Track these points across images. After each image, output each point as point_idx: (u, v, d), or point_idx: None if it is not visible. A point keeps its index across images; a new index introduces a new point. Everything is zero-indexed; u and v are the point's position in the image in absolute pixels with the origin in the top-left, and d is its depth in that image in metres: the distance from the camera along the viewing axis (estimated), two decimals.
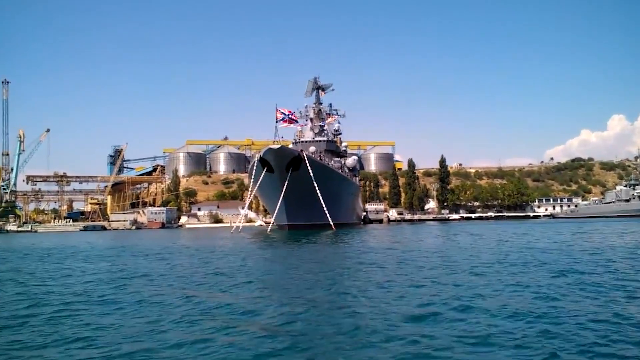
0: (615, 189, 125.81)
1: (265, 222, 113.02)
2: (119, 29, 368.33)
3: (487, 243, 28.50)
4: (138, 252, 29.11)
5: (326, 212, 53.36)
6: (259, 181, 54.37)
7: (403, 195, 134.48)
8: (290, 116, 74.17)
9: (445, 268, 16.56)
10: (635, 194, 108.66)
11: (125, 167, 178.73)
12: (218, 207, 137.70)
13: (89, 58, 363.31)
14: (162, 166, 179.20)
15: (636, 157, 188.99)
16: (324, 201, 52.82)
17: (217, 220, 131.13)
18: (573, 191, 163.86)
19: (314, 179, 52.45)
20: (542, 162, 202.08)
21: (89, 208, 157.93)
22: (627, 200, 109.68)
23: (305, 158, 53.42)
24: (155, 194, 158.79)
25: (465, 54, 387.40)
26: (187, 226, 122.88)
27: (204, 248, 31.54)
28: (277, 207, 54.81)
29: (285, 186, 52.92)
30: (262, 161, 53.34)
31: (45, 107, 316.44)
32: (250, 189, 56.93)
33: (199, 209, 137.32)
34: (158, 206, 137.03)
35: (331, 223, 54.08)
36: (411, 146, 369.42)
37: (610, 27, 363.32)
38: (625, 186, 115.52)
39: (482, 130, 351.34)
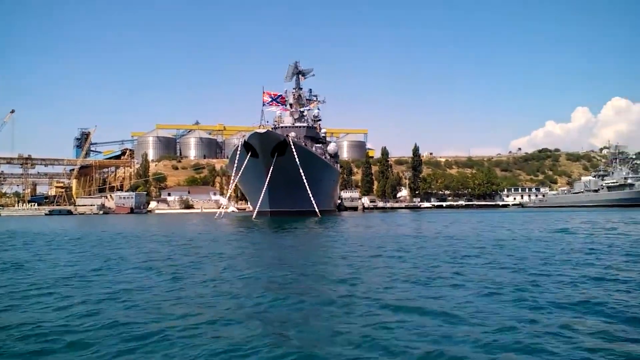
0: (580, 179, 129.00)
1: (238, 209, 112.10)
2: (87, 9, 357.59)
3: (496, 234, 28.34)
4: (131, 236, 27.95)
5: (312, 198, 52.74)
6: (243, 166, 53.04)
7: (375, 183, 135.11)
8: (278, 99, 72.72)
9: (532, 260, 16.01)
10: (603, 184, 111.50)
11: (93, 151, 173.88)
12: (189, 192, 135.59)
13: (57, 38, 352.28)
14: (131, 150, 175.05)
15: (601, 149, 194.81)
16: (308, 187, 52.22)
17: (188, 205, 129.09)
18: (540, 181, 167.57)
19: (299, 165, 51.68)
20: (510, 152, 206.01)
21: (53, 192, 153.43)
22: (596, 191, 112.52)
23: (291, 143, 52.47)
24: (123, 179, 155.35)
25: (437, 46, 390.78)
26: (157, 212, 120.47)
27: (205, 234, 30.43)
28: (262, 193, 53.52)
29: (270, 172, 51.93)
30: (247, 145, 52.08)
31: (9, 88, 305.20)
32: (233, 175, 55.29)
33: (169, 194, 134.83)
34: (126, 191, 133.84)
35: (317, 210, 53.47)
36: (382, 135, 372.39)
37: (576, 22, 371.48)
38: (594, 177, 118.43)
39: (451, 121, 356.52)
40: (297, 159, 52.21)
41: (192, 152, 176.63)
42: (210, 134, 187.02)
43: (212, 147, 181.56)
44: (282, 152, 52.87)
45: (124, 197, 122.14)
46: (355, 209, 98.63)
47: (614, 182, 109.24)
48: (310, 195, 52.62)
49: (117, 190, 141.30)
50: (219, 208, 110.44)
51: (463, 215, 60.88)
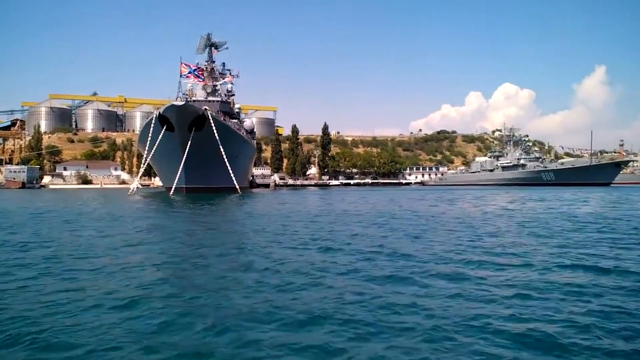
0: (476, 160, 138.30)
1: (142, 185, 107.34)
2: None
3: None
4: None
5: (232, 174, 51.70)
6: (157, 141, 50.47)
7: (285, 160, 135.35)
8: (196, 71, 69.76)
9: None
10: (498, 164, 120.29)
11: None
12: (87, 167, 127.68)
13: None
14: (21, 121, 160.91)
15: (493, 132, 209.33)
16: (228, 164, 51.15)
17: (86, 181, 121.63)
18: (438, 161, 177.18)
19: (219, 140, 50.29)
20: (411, 133, 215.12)
21: None
22: (491, 170, 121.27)
23: (210, 117, 50.81)
24: (13, 151, 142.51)
25: (345, 27, 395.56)
26: (51, 186, 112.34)
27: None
28: (179, 169, 51.29)
29: (188, 147, 49.97)
30: (162, 118, 49.58)
31: None
32: (147, 149, 52.43)
33: (65, 169, 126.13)
34: (16, 164, 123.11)
35: (237, 186, 52.54)
36: (291, 113, 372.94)
37: (470, 12, 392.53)
38: (490, 157, 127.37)
39: (357, 102, 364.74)
40: (216, 134, 50.93)
41: (90, 125, 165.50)
42: (109, 105, 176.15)
43: (111, 120, 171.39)
44: (200, 126, 51.25)
45: (15, 171, 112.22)
46: (267, 186, 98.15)
47: (507, 163, 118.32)
48: (231, 171, 51.72)
49: (6, 163, 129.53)
50: (121, 184, 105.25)
51: (372, 193, 62.96)
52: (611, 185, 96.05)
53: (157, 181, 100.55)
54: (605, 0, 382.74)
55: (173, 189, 50.77)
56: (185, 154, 50.22)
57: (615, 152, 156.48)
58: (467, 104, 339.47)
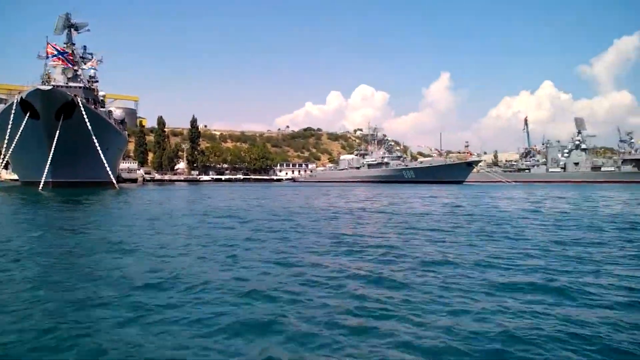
0: (343, 157, 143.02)
1: None
2: None
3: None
4: None
5: (107, 167, 46.69)
6: (20, 129, 43.68)
7: (150, 154, 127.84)
8: (66, 55, 61.69)
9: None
10: (365, 162, 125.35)
11: None
12: None
13: None
14: None
15: (355, 130, 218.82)
16: (102, 155, 46.17)
17: None
18: (306, 157, 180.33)
19: (91, 130, 45.10)
20: (279, 129, 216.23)
21: None
22: (358, 168, 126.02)
23: (81, 104, 45.39)
24: None
25: (212, 20, 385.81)
26: None
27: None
28: (47, 161, 44.78)
29: (56, 136, 44.03)
30: (24, 104, 43.10)
31: None
32: (7, 139, 45.03)
33: None
34: None
35: (114, 181, 47.62)
36: (153, 105, 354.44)
37: (331, 19, 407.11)
38: (356, 155, 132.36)
39: (222, 95, 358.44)
40: (87, 123, 45.87)
41: None
42: None
43: None
44: (69, 114, 45.81)
45: None
46: (134, 180, 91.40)
47: (373, 161, 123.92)
48: (106, 164, 46.94)
49: None
50: None
51: (251, 190, 60.82)
52: (463, 183, 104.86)
53: (3, 174, 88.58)
54: (448, 12, 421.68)
55: (42, 183, 44.34)
56: (54, 144, 44.38)
57: (461, 152, 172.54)
58: (328, 102, 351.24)
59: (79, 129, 45.42)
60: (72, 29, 71.56)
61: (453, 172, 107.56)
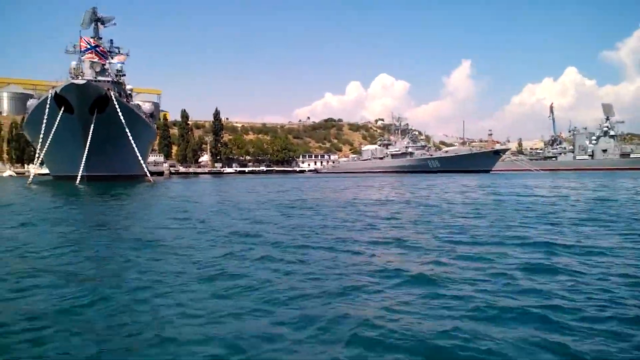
0: (367, 148, 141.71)
1: (17, 173, 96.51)
2: None
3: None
4: None
5: (141, 161, 46.77)
6: (55, 124, 43.76)
7: (174, 147, 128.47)
8: (98, 49, 61.85)
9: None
10: (388, 153, 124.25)
11: None
12: None
13: None
14: None
15: (376, 120, 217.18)
16: (137, 149, 46.20)
17: None
18: (327, 149, 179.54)
19: (125, 124, 45.06)
20: (300, 120, 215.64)
21: None
22: (382, 158, 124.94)
23: (114, 98, 45.39)
24: None
25: (232, 15, 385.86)
26: None
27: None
28: (84, 156, 44.76)
29: (91, 131, 44.09)
30: (58, 99, 43.16)
31: None
32: (42, 133, 45.12)
33: None
34: None
35: (148, 174, 47.65)
36: (177, 98, 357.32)
37: (345, 10, 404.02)
38: (380, 146, 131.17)
39: (244, 88, 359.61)
40: (121, 117, 45.85)
41: None
42: None
43: None
44: (102, 108, 45.82)
45: None
46: (161, 174, 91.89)
47: (397, 151, 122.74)
48: (140, 157, 46.96)
49: None
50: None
51: (284, 181, 60.35)
52: (491, 172, 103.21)
53: (32, 169, 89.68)
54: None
55: (79, 177, 44.36)
56: (90, 139, 44.43)
57: (484, 141, 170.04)
58: (348, 93, 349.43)
59: (113, 122, 45.46)
60: (99, 23, 71.81)
61: (480, 161, 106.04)
